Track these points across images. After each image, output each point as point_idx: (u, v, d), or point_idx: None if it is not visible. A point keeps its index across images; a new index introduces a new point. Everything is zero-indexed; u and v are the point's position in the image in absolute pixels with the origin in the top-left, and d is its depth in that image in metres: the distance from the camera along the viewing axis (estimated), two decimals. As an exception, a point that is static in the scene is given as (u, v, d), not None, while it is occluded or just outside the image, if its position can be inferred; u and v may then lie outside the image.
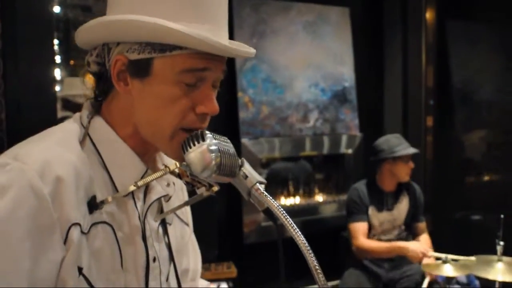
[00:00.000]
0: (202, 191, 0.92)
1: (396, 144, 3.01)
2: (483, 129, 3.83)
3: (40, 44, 2.61)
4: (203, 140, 0.81)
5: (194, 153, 0.81)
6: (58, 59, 3.30)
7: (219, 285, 2.91)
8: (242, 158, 0.87)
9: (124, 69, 0.84)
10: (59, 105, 2.95)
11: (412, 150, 2.99)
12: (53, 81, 2.70)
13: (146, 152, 0.91)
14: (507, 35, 3.54)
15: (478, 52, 3.78)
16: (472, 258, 2.43)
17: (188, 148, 0.82)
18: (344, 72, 3.75)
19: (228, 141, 0.87)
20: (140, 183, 0.84)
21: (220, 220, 3.31)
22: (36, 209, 0.73)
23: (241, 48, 0.88)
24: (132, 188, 0.84)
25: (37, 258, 0.73)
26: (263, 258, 3.29)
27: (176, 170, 0.90)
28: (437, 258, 2.43)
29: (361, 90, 3.85)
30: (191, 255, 1.17)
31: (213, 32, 0.82)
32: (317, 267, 0.82)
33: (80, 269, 0.78)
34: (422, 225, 3.10)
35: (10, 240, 0.72)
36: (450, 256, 2.40)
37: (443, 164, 4.03)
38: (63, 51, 4.34)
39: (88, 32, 0.86)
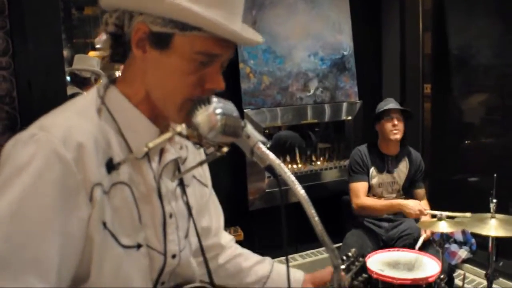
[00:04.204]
0: (211, 150, 1.01)
1: (382, 105, 3.12)
2: (481, 94, 3.87)
3: (47, 22, 2.65)
4: (209, 103, 0.90)
5: (201, 116, 0.89)
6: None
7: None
8: (245, 120, 0.95)
9: (145, 37, 0.92)
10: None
11: (391, 105, 3.08)
12: (62, 58, 2.76)
13: (157, 117, 0.99)
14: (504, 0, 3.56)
15: (475, 17, 3.80)
16: (468, 214, 2.54)
17: (196, 111, 0.90)
18: (343, 40, 3.78)
19: (232, 104, 0.95)
20: (150, 145, 0.92)
21: (226, 187, 3.42)
22: (62, 173, 0.82)
23: (251, 36, 0.96)
24: (144, 149, 0.92)
25: (68, 216, 0.83)
26: (268, 223, 3.42)
27: (184, 132, 0.99)
28: (434, 216, 2.53)
29: (360, 58, 3.89)
30: (213, 213, 1.27)
31: (228, 18, 0.90)
32: (314, 215, 0.91)
33: (104, 224, 0.88)
34: (421, 191, 3.20)
35: (42, 201, 0.80)
36: (446, 213, 2.51)
37: (441, 129, 4.10)
38: (65, 30, 4.38)
39: None
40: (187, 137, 1.03)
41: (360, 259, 1.36)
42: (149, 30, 0.91)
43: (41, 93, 2.61)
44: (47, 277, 0.80)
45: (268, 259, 1.35)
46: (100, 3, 0.96)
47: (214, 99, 0.91)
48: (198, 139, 1.00)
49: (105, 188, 0.88)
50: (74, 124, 0.87)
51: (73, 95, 3.10)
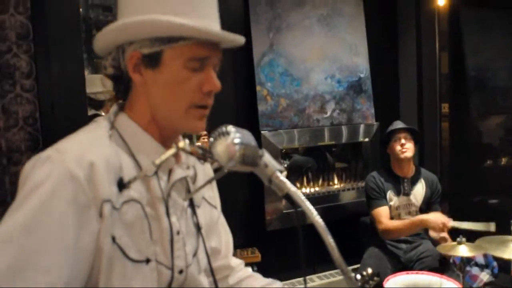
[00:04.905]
0: (216, 165, 1.03)
1: (389, 128, 3.15)
2: (498, 115, 3.85)
3: (69, 45, 2.73)
4: (228, 134, 0.92)
5: (220, 147, 0.92)
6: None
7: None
8: (262, 149, 0.97)
9: (139, 62, 0.99)
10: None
11: (398, 126, 3.11)
12: (83, 80, 2.83)
13: (165, 138, 1.05)
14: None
15: (491, 38, 3.80)
16: (492, 226, 2.52)
17: (214, 141, 0.93)
18: (359, 63, 3.81)
19: (250, 134, 0.97)
20: (157, 161, 0.98)
21: (244, 208, 3.45)
22: (74, 190, 0.87)
23: (233, 36, 1.02)
24: (151, 167, 0.98)
25: (79, 230, 0.87)
26: (285, 243, 3.40)
27: (187, 147, 1.04)
28: (456, 229, 2.51)
29: (376, 79, 3.90)
30: (222, 236, 1.29)
31: (206, 22, 0.98)
32: (332, 244, 0.92)
33: (113, 238, 0.92)
34: None
35: (54, 216, 0.85)
36: (470, 224, 2.49)
37: (459, 150, 4.07)
38: (86, 50, 4.48)
39: (107, 36, 1.00)
40: (191, 153, 1.06)
41: (375, 278, 1.36)
42: (141, 55, 0.98)
43: (63, 115, 2.68)
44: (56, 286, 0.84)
45: (278, 282, 1.36)
46: (95, 50, 1.05)
47: (232, 129, 0.94)
48: (202, 155, 1.03)
49: (115, 204, 0.92)
50: (87, 146, 0.93)
51: (94, 116, 3.16)
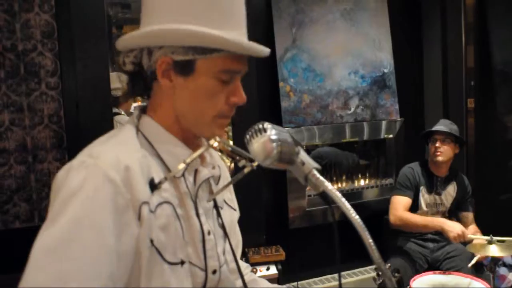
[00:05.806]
0: (243, 163, 1.02)
1: (433, 128, 3.09)
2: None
3: (94, 43, 2.74)
4: (265, 131, 0.90)
5: (257, 144, 0.90)
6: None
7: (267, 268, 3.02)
8: (298, 146, 0.95)
9: (169, 68, 0.97)
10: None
11: (435, 127, 3.04)
12: (107, 78, 2.83)
13: (187, 139, 1.04)
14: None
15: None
16: None
17: (251, 139, 0.91)
18: (383, 58, 3.74)
19: (285, 131, 0.95)
20: (188, 160, 0.97)
21: (267, 206, 3.41)
22: (112, 193, 0.86)
23: (262, 49, 1.01)
24: (181, 166, 0.97)
25: (119, 234, 0.86)
26: (308, 241, 3.39)
27: (216, 145, 1.03)
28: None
29: (401, 75, 3.84)
30: (235, 239, 1.28)
31: (240, 35, 0.98)
32: (372, 245, 0.91)
33: (151, 241, 0.91)
34: (469, 215, 3.11)
35: (95, 221, 0.84)
36: (494, 238, 2.42)
37: (485, 146, 3.99)
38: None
39: (135, 39, 0.99)
40: (220, 150, 1.05)
41: (396, 274, 1.33)
42: (172, 61, 0.96)
43: (87, 113, 2.69)
44: None
45: None
46: (116, 46, 1.03)
47: (269, 126, 0.91)
48: (231, 152, 1.02)
49: (151, 207, 0.92)
50: (119, 151, 0.93)
51: (114, 114, 3.16)
